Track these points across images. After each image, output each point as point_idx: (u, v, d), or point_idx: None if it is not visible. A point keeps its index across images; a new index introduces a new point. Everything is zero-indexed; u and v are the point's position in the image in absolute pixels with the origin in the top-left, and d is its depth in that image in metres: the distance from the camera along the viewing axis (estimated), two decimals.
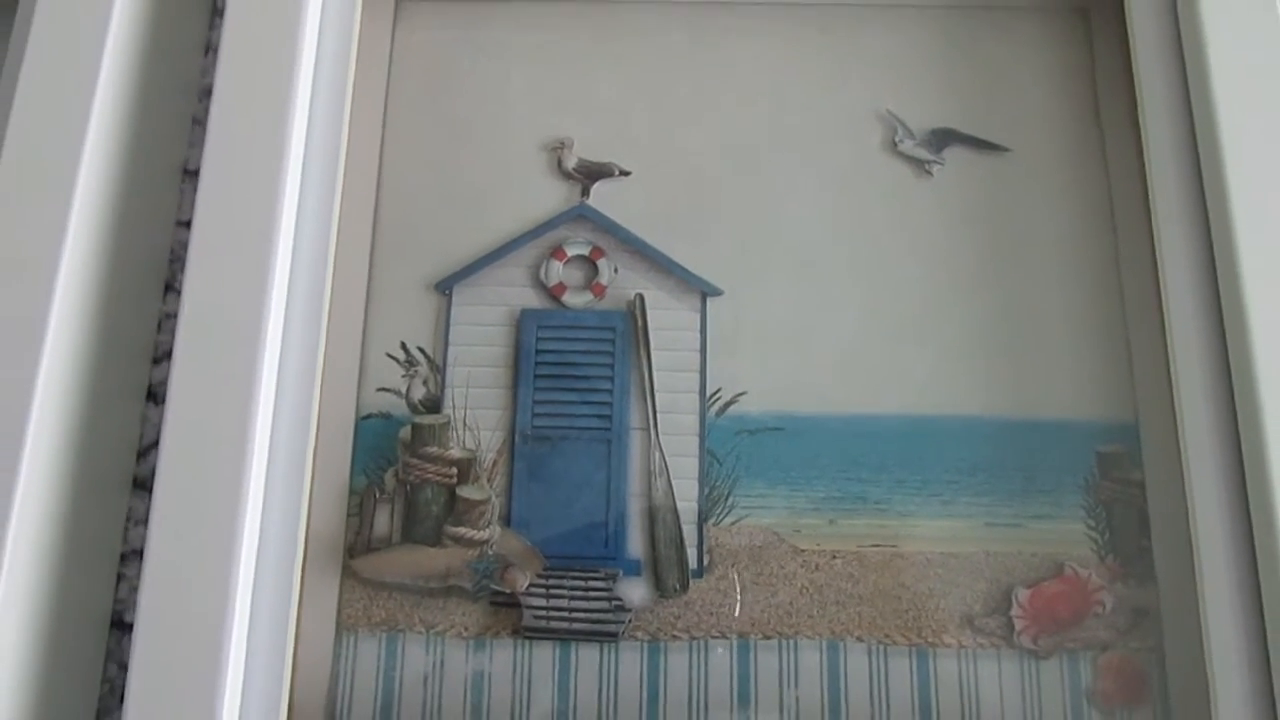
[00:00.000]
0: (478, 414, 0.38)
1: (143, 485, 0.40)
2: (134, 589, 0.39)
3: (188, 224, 0.42)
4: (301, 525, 0.34)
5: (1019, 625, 0.36)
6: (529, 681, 0.36)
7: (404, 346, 0.39)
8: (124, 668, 0.38)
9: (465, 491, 0.37)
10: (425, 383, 0.39)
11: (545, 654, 0.36)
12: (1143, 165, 0.38)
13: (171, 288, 0.43)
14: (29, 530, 0.34)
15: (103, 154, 0.37)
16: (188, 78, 0.44)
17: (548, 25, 0.42)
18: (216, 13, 0.46)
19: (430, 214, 0.40)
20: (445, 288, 0.39)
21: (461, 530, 0.36)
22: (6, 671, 0.33)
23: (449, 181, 0.41)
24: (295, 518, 0.34)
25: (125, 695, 0.32)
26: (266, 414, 0.34)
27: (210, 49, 0.46)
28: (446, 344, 0.39)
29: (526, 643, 0.36)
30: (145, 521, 0.38)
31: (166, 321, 0.42)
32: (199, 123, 0.45)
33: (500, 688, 0.36)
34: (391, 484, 0.37)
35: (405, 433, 0.38)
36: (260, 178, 0.36)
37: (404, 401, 0.38)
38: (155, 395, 0.41)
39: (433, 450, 0.37)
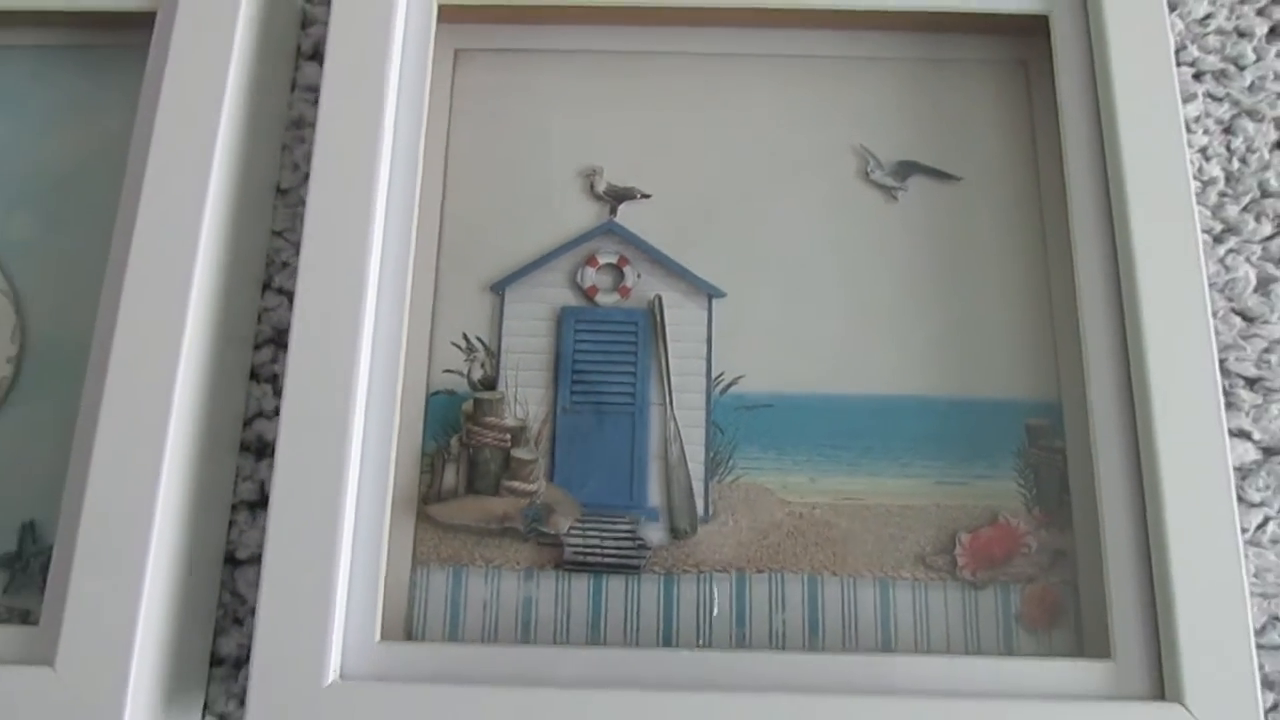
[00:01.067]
0: (526, 391, 0.47)
1: (247, 448, 0.49)
2: (243, 532, 0.47)
3: (280, 233, 0.51)
4: (390, 480, 0.43)
5: (961, 562, 0.44)
6: (568, 606, 0.44)
7: (465, 336, 0.48)
8: (236, 595, 0.47)
9: (518, 453, 0.45)
10: (482, 365, 0.47)
11: (581, 584, 0.45)
12: (1065, 190, 0.47)
13: (268, 287, 0.51)
14: (174, 484, 0.42)
15: (223, 175, 0.46)
16: (279, 111, 0.53)
17: (582, 74, 0.51)
18: (300, 55, 0.55)
19: (486, 228, 0.49)
20: (499, 289, 0.48)
21: (515, 484, 0.45)
22: (156, 598, 0.41)
23: (501, 201, 0.49)
24: (384, 473, 0.43)
25: (256, 615, 0.40)
26: (362, 391, 0.43)
27: (295, 86, 0.55)
28: (500, 335, 0.48)
29: (566, 574, 0.45)
30: (250, 478, 0.47)
31: (265, 314, 0.51)
32: (287, 148, 0.53)
33: (545, 611, 0.44)
34: (456, 447, 0.46)
35: (467, 406, 0.47)
36: (356, 200, 0.45)
37: (465, 381, 0.47)
38: (256, 375, 0.50)
39: (491, 420, 0.46)
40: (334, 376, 0.42)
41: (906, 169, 0.50)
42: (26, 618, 0.44)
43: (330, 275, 0.43)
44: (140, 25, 0.51)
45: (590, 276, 0.48)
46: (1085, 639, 0.43)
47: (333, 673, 0.40)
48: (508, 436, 0.46)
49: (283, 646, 0.39)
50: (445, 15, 0.49)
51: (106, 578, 0.40)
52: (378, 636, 0.41)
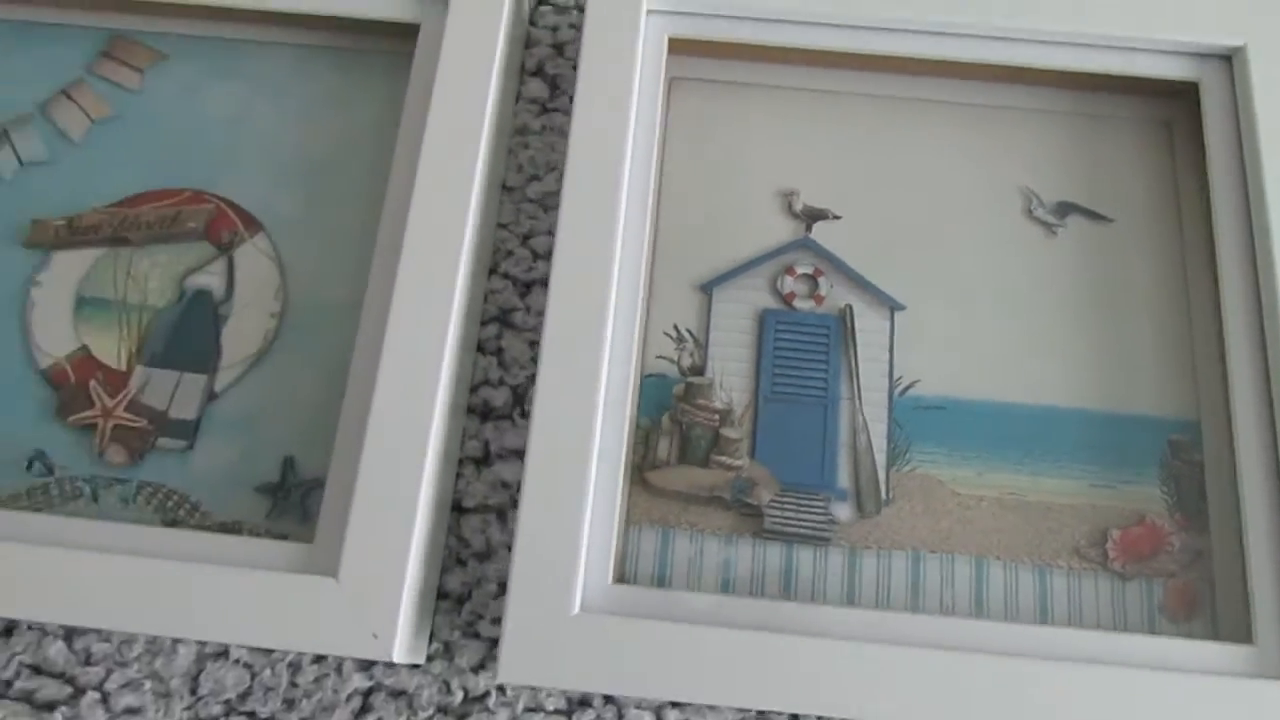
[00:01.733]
0: (731, 379, 0.53)
1: (473, 411, 0.55)
2: (469, 483, 0.54)
3: (504, 225, 0.57)
4: (624, 447, 0.49)
5: (1112, 555, 0.51)
6: (764, 570, 0.50)
7: (676, 328, 0.54)
8: (460, 539, 0.53)
9: (726, 431, 0.52)
10: (691, 354, 0.54)
11: (776, 551, 0.51)
12: (1209, 232, 0.54)
13: (494, 271, 0.58)
14: (434, 436, 0.48)
15: (480, 172, 0.53)
16: (509, 118, 0.60)
17: (781, 106, 0.58)
18: (524, 70, 0.62)
19: (697, 237, 0.55)
20: (708, 289, 0.55)
21: (724, 458, 0.51)
22: (419, 531, 0.47)
23: (710, 214, 0.56)
24: (619, 441, 0.49)
25: (514, 552, 0.46)
26: (605, 370, 0.49)
27: (519, 98, 0.61)
28: (708, 329, 0.54)
29: (763, 542, 0.51)
30: (476, 437, 0.53)
31: (490, 295, 0.57)
32: (511, 151, 0.60)
33: (742, 571, 0.50)
34: (668, 423, 0.52)
35: (678, 388, 0.53)
36: (603, 208, 0.51)
37: (675, 367, 0.54)
38: (482, 348, 0.56)
39: (701, 402, 0.52)
40: (583, 356, 0.49)
41: (1065, 209, 0.57)
42: (284, 539, 0.50)
43: (581, 271, 0.50)
44: (396, 34, 0.58)
45: (789, 284, 0.55)
46: (1221, 628, 0.49)
47: (577, 605, 0.45)
48: (716, 416, 0.52)
49: (536, 581, 0.46)
50: (673, 48, 0.56)
51: (384, 508, 0.46)
52: (610, 579, 0.47)
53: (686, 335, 0.54)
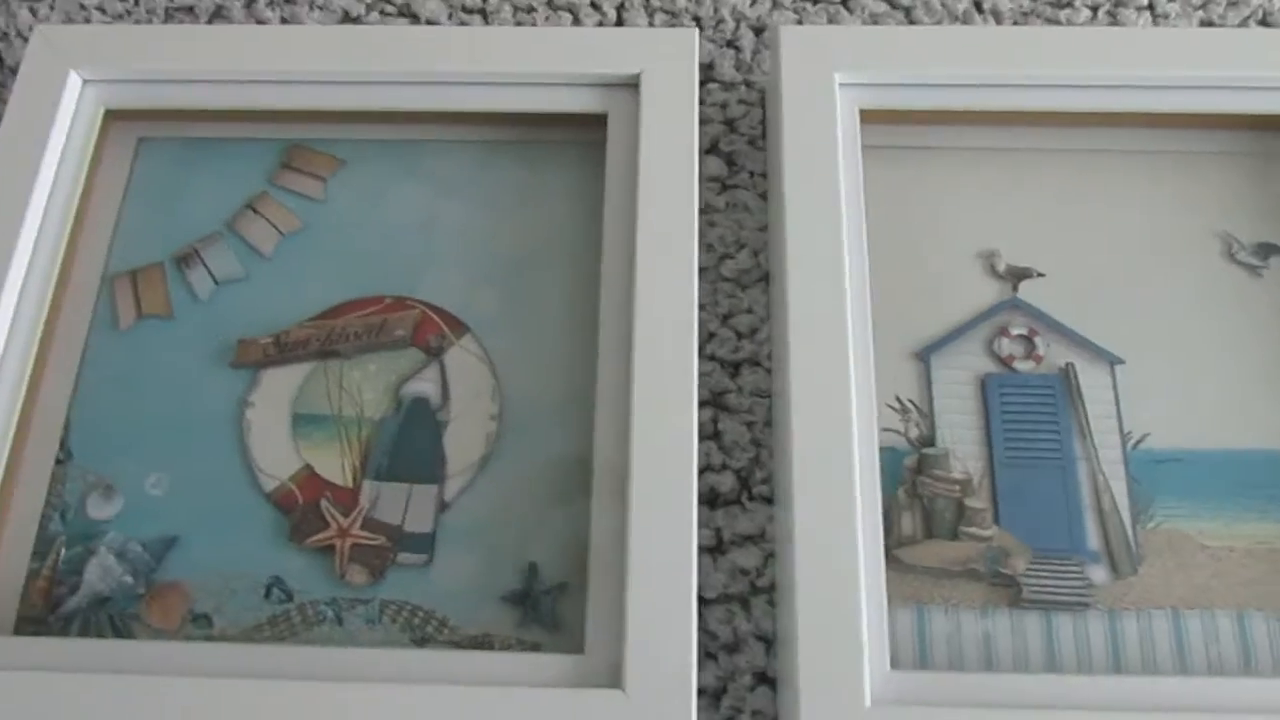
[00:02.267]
0: (962, 447, 0.53)
1: (700, 498, 0.55)
2: (707, 574, 0.53)
3: (703, 307, 0.57)
4: (879, 526, 0.49)
5: None
6: (1025, 642, 0.50)
7: (898, 399, 0.54)
8: (707, 632, 0.51)
9: (971, 502, 0.51)
10: (917, 425, 0.53)
11: (1034, 620, 0.50)
12: None
13: (701, 354, 0.57)
14: (695, 537, 0.48)
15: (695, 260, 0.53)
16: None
17: (973, 168, 0.58)
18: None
19: (905, 304, 0.55)
20: (924, 356, 0.54)
21: (972, 529, 0.51)
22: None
23: (915, 280, 0.56)
24: (875, 521, 0.49)
25: (794, 657, 0.45)
26: (857, 449, 0.49)
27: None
28: (930, 397, 0.54)
29: (1020, 611, 0.50)
30: (706, 525, 0.53)
31: (702, 379, 0.57)
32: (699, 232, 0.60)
33: (1002, 644, 0.50)
34: (904, 497, 0.52)
35: (911, 460, 0.52)
36: (828, 285, 0.51)
37: (903, 439, 0.53)
38: (700, 432, 0.56)
39: (939, 473, 0.52)
40: (833, 436, 0.48)
41: (1266, 249, 0.57)
42: (537, 649, 0.49)
43: (818, 349, 0.50)
44: (580, 124, 0.58)
45: (1006, 346, 0.54)
46: None
47: (869, 697, 0.45)
48: (958, 487, 0.52)
49: (824, 675, 0.45)
50: (865, 118, 0.56)
51: (659, 610, 0.46)
52: (888, 665, 0.47)
53: (910, 405, 0.53)
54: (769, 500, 0.54)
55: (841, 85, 0.56)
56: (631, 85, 0.57)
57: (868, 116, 0.57)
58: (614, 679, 0.45)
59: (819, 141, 0.54)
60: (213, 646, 0.49)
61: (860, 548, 0.47)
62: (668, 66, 0.56)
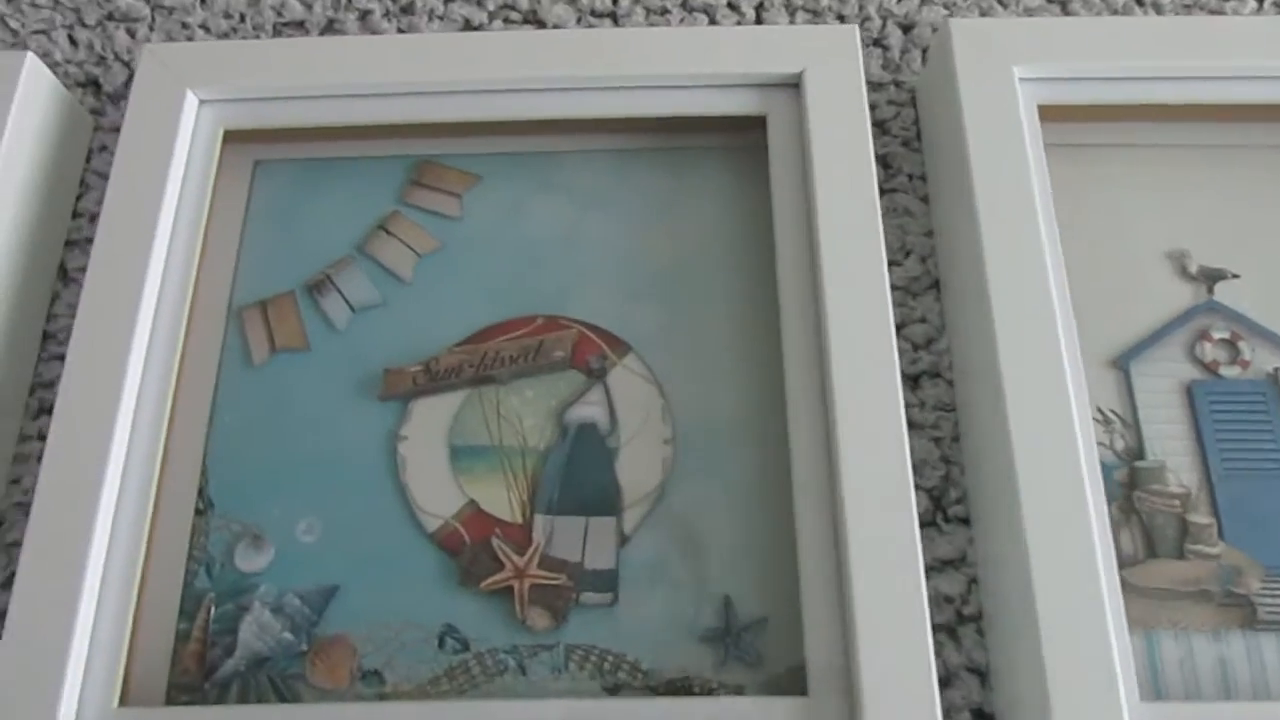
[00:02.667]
0: (1174, 459, 0.49)
1: None
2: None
3: None
4: (1096, 543, 0.45)
5: None
6: (1263, 664, 0.46)
7: (1100, 409, 0.50)
8: None
9: (1194, 518, 0.48)
10: (1122, 436, 0.50)
11: (1273, 642, 0.46)
12: None
13: None
14: (921, 561, 0.44)
15: (885, 267, 0.49)
16: None
17: (1158, 165, 0.55)
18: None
19: (1096, 309, 0.52)
20: (1123, 364, 0.51)
21: (1199, 547, 0.47)
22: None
23: (1104, 283, 0.52)
24: (1108, 541, 0.45)
25: (1043, 688, 0.42)
26: (1083, 467, 0.45)
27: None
28: (1133, 406, 0.50)
29: (1256, 633, 0.46)
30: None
31: None
32: None
33: (1239, 669, 0.46)
34: (1117, 513, 0.48)
35: (1121, 474, 0.49)
36: (1033, 293, 0.48)
37: (1110, 451, 0.50)
38: None
39: (1157, 487, 0.48)
40: (1059, 452, 0.45)
41: None
42: (740, 691, 0.45)
43: (1031, 362, 0.47)
44: (729, 128, 0.55)
45: (1209, 351, 0.51)
46: None
47: None
48: (1177, 502, 0.48)
49: (1075, 709, 0.41)
50: (1043, 114, 0.53)
51: (888, 645, 0.42)
52: (1138, 697, 0.43)
53: (1113, 416, 0.50)
54: (966, 521, 0.50)
55: (1021, 80, 0.52)
56: (791, 85, 0.54)
57: (1045, 113, 0.53)
58: None
59: (1005, 141, 0.51)
60: (388, 706, 0.44)
61: (1101, 570, 0.43)
62: (831, 64, 0.53)
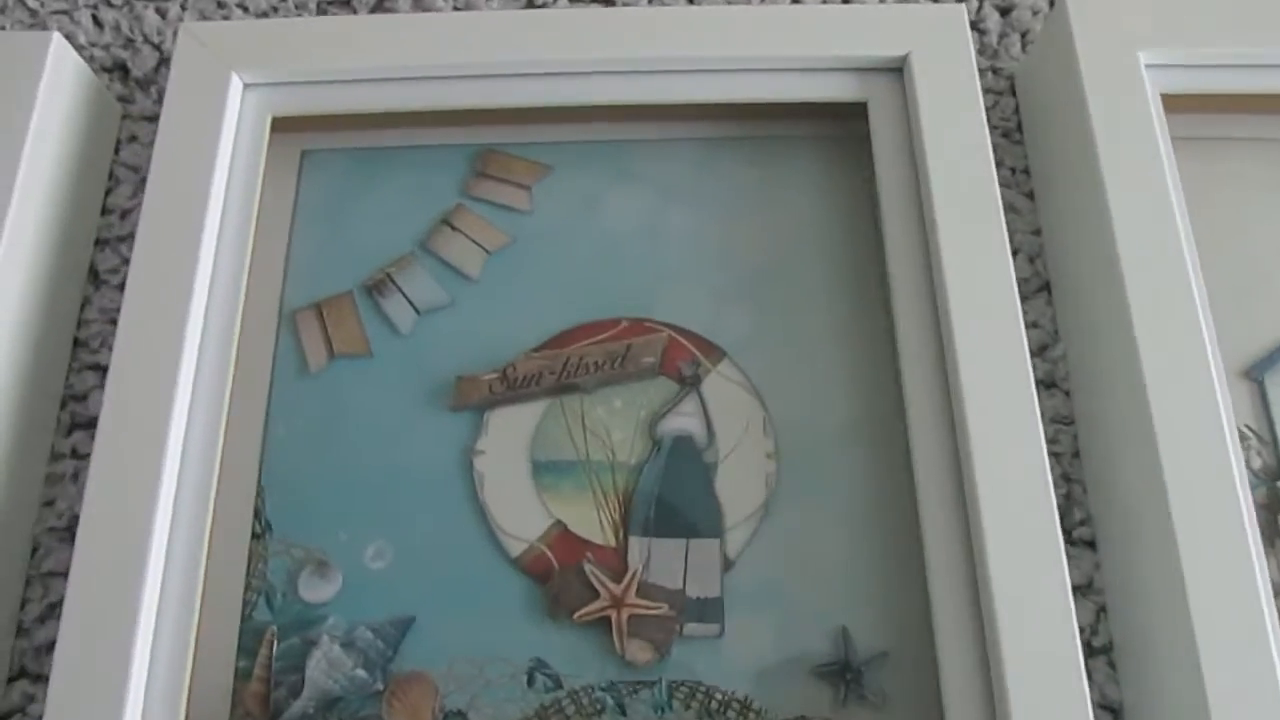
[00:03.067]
0: None
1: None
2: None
3: None
4: (1265, 568, 0.41)
5: None
6: None
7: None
8: None
9: None
10: (1259, 454, 0.46)
11: None
12: None
13: None
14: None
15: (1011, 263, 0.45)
16: None
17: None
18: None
19: (1227, 314, 0.47)
20: (1255, 375, 0.47)
21: None
22: None
23: (1229, 287, 0.48)
24: (1262, 558, 0.42)
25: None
26: (1239, 487, 0.41)
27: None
28: (1270, 420, 0.47)
29: None
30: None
31: None
32: None
33: None
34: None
35: (1260, 495, 0.45)
36: (1175, 295, 0.44)
37: (1249, 470, 0.46)
38: None
39: None
40: (1212, 474, 0.41)
41: None
42: None
43: (1176, 372, 0.43)
44: (822, 115, 0.51)
45: None
46: None
47: None
48: None
49: None
50: (1169, 105, 0.49)
51: (1043, 685, 0.38)
52: None
53: (1249, 432, 0.46)
54: (1092, 545, 0.46)
55: (1146, 67, 0.48)
56: (894, 69, 0.50)
57: (1169, 103, 0.49)
58: None
59: (1134, 133, 0.47)
60: None
61: (1262, 599, 0.39)
62: (938, 46, 0.49)
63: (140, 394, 0.43)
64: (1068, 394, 0.49)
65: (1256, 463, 0.46)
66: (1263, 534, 0.45)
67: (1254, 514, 0.42)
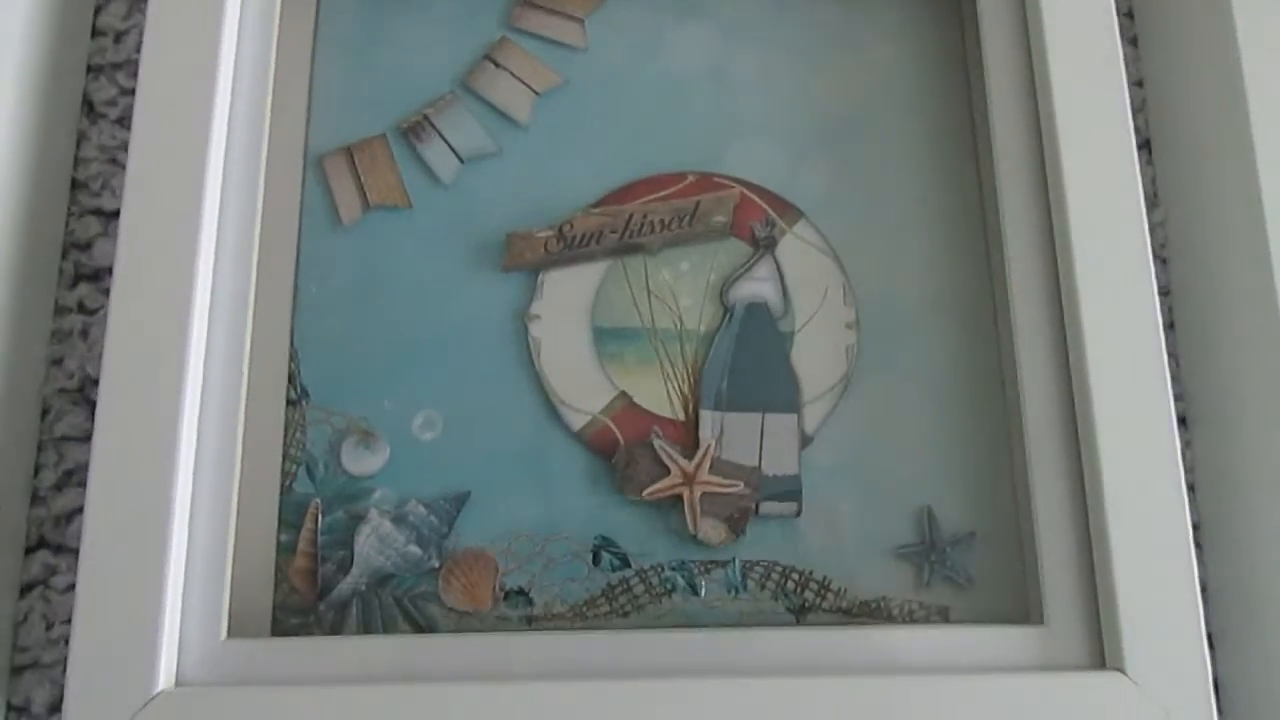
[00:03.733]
0: None
1: None
2: None
3: None
4: None
5: None
6: None
7: None
8: None
9: None
10: None
11: None
12: None
13: None
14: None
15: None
16: None
17: None
18: None
19: None
20: None
21: None
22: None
23: None
24: None
25: None
26: None
27: None
28: None
29: None
30: None
31: None
32: None
33: None
34: None
35: None
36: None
37: None
38: None
39: None
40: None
41: None
42: (947, 615, 0.40)
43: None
44: None
45: None
46: None
47: None
48: None
49: None
50: None
51: (1151, 572, 0.36)
52: None
53: None
54: (1184, 421, 0.44)
55: None
56: None
57: None
58: (1106, 659, 0.36)
59: None
60: (545, 637, 0.37)
61: None
62: None
63: (158, 247, 0.38)
64: (1164, 262, 0.45)
65: None
66: None
67: None
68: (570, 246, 0.42)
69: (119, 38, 0.47)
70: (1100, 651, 0.36)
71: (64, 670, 0.37)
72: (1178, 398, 0.44)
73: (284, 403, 0.41)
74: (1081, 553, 0.37)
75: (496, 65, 0.45)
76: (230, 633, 0.37)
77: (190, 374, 0.37)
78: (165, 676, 0.35)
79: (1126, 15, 0.48)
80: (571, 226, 0.42)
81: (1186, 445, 0.44)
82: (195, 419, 0.37)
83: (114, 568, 0.35)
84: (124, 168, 0.41)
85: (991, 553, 0.40)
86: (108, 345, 0.37)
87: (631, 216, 0.43)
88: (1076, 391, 0.38)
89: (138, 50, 0.45)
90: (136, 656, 0.34)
